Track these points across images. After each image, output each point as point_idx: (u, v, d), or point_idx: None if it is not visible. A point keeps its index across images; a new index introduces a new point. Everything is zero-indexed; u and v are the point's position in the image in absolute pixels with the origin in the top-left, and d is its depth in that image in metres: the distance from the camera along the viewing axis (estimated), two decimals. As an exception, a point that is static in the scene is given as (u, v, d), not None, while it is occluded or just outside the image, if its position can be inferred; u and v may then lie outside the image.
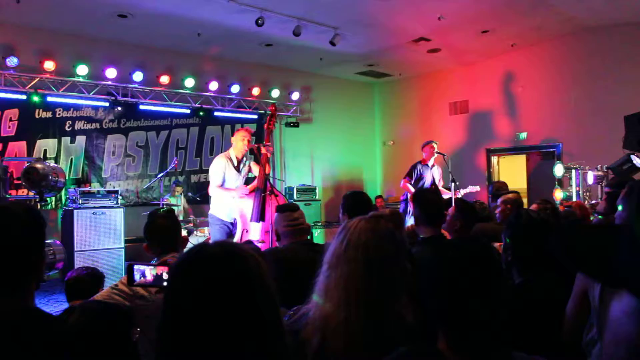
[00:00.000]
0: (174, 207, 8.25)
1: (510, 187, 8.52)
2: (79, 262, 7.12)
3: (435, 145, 8.34)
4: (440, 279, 1.41)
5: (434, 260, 1.48)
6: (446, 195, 7.76)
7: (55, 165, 7.00)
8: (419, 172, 8.25)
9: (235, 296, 1.21)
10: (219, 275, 1.22)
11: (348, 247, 1.72)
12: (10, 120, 8.19)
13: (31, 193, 7.28)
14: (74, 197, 7.63)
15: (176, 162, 8.66)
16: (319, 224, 10.56)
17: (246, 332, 1.20)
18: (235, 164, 6.01)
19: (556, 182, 9.09)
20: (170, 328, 1.22)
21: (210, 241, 5.80)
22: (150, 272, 1.80)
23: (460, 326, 1.37)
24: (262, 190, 5.59)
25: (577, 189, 7.88)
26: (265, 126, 6.17)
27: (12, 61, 7.75)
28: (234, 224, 5.92)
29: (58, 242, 4.64)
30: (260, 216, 5.51)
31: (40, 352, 1.44)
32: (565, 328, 2.23)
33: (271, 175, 6.96)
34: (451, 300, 1.37)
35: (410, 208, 8.03)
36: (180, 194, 9.18)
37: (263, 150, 5.92)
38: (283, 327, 1.32)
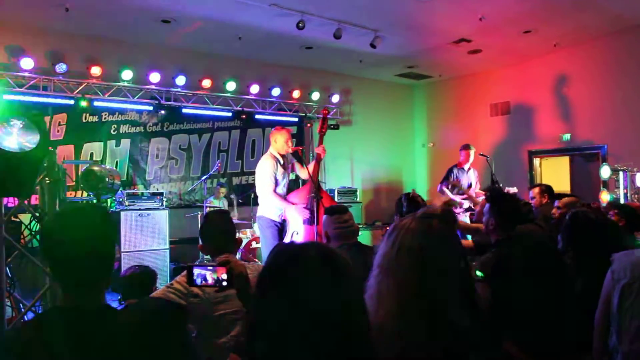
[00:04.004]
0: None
1: (554, 189, 8.39)
2: (125, 262, 7.28)
3: (471, 151, 8.30)
4: (527, 280, 1.41)
5: (522, 262, 1.47)
6: (480, 198, 7.65)
7: (111, 167, 7.18)
8: (455, 176, 8.23)
9: (334, 299, 1.19)
10: (318, 279, 1.21)
11: (400, 251, 1.67)
12: (59, 124, 8.45)
13: (83, 195, 7.42)
14: (121, 199, 7.80)
15: (219, 164, 8.78)
16: (360, 225, 10.56)
17: (343, 335, 1.18)
18: (282, 162, 6.07)
19: (602, 185, 8.89)
20: (262, 333, 1.20)
21: (262, 242, 5.81)
22: (210, 276, 1.86)
23: (538, 328, 1.37)
24: (316, 194, 5.63)
25: (625, 191, 7.70)
26: (318, 130, 6.24)
27: (61, 67, 8.00)
28: (283, 224, 5.98)
29: (114, 242, 4.77)
30: (316, 219, 5.53)
31: (114, 347, 1.49)
32: (594, 332, 2.20)
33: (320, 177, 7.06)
34: (536, 301, 1.37)
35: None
36: (224, 196, 9.30)
37: (318, 151, 6.02)
38: (370, 331, 1.29)
